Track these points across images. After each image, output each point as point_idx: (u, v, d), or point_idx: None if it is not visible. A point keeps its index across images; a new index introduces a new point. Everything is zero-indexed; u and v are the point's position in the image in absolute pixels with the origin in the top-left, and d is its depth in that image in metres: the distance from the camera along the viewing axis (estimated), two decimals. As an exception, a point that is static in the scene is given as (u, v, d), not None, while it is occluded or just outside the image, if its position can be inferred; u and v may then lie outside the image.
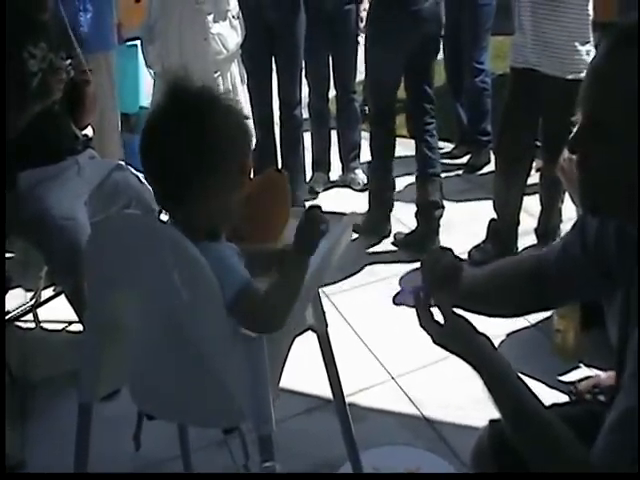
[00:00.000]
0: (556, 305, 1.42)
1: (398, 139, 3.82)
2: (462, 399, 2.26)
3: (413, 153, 3.40)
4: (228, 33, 3.14)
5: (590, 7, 2.75)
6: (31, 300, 2.80)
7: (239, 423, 1.34)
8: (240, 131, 1.27)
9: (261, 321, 1.23)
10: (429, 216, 3.22)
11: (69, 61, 2.40)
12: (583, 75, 3.01)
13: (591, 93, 0.97)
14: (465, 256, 3.00)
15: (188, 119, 1.20)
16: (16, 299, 2.81)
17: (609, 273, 1.13)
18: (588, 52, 2.78)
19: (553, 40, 2.76)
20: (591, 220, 1.14)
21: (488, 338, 1.14)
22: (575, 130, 1.00)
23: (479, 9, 3.91)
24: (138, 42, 3.64)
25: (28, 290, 2.83)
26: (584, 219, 1.18)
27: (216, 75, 3.13)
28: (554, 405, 1.45)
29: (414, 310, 1.17)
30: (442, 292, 1.14)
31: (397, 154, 3.78)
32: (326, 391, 1.78)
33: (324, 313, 1.66)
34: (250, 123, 3.35)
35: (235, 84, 3.26)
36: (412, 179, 3.60)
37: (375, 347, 2.57)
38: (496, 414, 1.37)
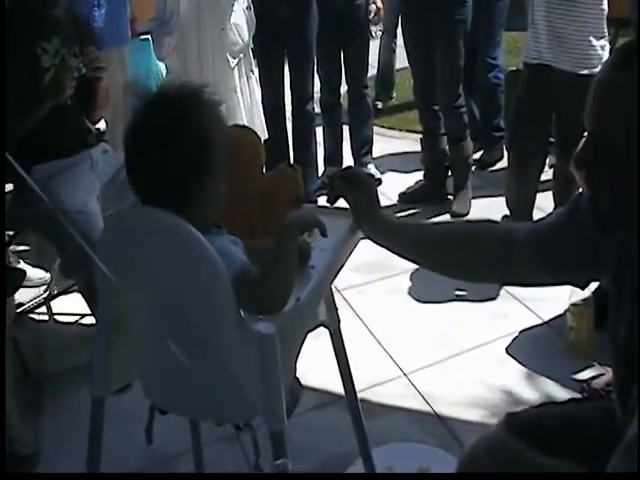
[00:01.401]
0: (525, 282, 1.40)
1: (407, 134, 3.84)
2: (474, 396, 2.26)
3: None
4: (243, 24, 3.14)
5: (605, 2, 2.73)
6: (44, 292, 2.82)
7: (251, 419, 1.34)
8: (220, 122, 1.26)
9: (260, 303, 1.21)
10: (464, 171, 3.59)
11: (81, 58, 2.41)
12: (597, 70, 3.00)
13: (595, 110, 0.96)
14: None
15: (169, 118, 1.20)
16: (30, 291, 2.83)
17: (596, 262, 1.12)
18: (603, 47, 2.76)
19: (568, 35, 2.74)
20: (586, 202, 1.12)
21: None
22: (580, 146, 0.99)
23: (492, 5, 3.89)
24: (149, 36, 3.65)
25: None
26: (579, 200, 1.16)
27: (233, 65, 3.13)
28: (570, 400, 1.44)
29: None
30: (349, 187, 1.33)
31: (407, 149, 3.81)
32: (338, 387, 1.78)
33: (336, 309, 1.66)
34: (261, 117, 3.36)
35: (250, 75, 3.27)
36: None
37: (387, 343, 2.56)
38: (509, 410, 1.37)
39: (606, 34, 2.79)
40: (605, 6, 2.73)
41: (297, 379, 1.70)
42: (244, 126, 2.40)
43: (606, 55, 2.77)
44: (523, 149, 2.97)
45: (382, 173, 3.97)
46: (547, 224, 1.22)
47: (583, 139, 1.00)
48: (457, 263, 1.29)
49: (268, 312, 1.23)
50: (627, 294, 1.04)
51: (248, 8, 3.18)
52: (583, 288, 2.25)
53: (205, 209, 1.24)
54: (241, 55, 3.19)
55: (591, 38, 2.73)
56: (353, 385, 1.73)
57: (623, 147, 0.92)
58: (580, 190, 1.28)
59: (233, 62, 3.14)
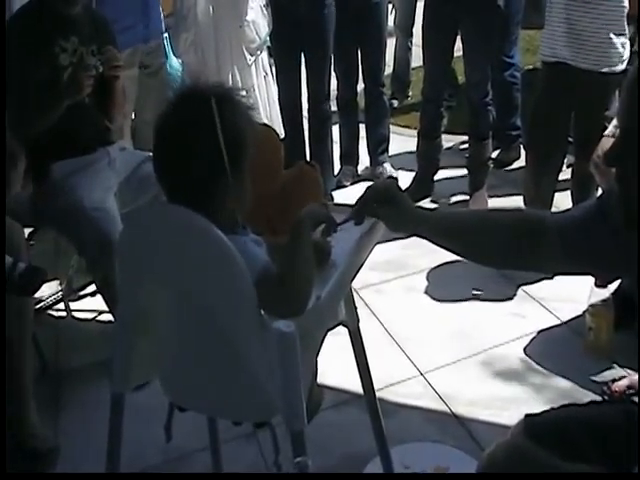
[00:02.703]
0: (549, 270, 1.40)
1: (410, 130, 3.84)
2: (491, 396, 2.25)
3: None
4: (261, 21, 3.15)
5: (625, 0, 2.70)
6: (63, 289, 2.84)
7: (270, 417, 1.34)
8: (250, 124, 1.27)
9: (281, 306, 1.21)
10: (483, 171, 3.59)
11: (98, 56, 2.42)
12: (618, 68, 2.96)
13: (626, 107, 0.96)
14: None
15: (200, 117, 1.20)
16: (49, 288, 2.84)
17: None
18: (624, 44, 2.74)
19: (587, 33, 2.71)
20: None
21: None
22: (611, 144, 0.98)
23: (508, 2, 3.85)
24: (167, 33, 3.67)
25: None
26: (610, 195, 1.14)
27: (251, 62, 3.13)
28: (591, 403, 1.43)
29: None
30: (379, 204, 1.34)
31: (411, 149, 3.82)
32: (355, 386, 1.78)
33: (356, 309, 1.65)
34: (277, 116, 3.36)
35: (267, 73, 3.27)
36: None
37: (404, 342, 2.56)
38: (527, 411, 1.36)
39: (626, 31, 2.76)
40: (626, 3, 2.70)
41: (318, 385, 1.70)
42: (264, 124, 2.40)
43: (627, 53, 2.74)
44: (541, 148, 2.95)
45: (397, 171, 3.96)
46: (576, 216, 1.21)
47: (606, 137, 0.99)
48: (488, 249, 1.28)
49: (289, 315, 1.23)
50: None
51: (266, 6, 3.18)
52: (606, 285, 2.23)
53: (230, 209, 1.24)
54: (258, 52, 3.19)
55: (611, 35, 2.71)
56: (372, 384, 1.72)
57: None
58: (600, 190, 1.26)
59: (250, 59, 3.14)
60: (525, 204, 3.06)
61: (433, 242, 1.32)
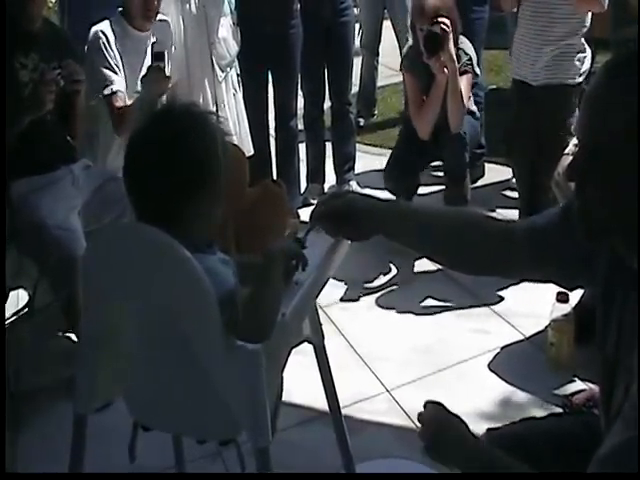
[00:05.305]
0: (516, 276, 1.44)
1: (388, 151, 3.81)
2: (456, 412, 2.25)
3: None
4: (230, 38, 3.16)
5: (587, 20, 2.80)
6: (24, 309, 2.78)
7: (236, 435, 1.34)
8: (222, 144, 1.28)
9: (244, 331, 1.22)
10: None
11: (58, 70, 2.40)
12: (575, 80, 3.05)
13: (586, 122, 0.98)
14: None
15: (172, 136, 1.22)
16: (9, 307, 2.79)
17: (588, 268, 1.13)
18: (582, 59, 2.85)
19: (548, 57, 2.81)
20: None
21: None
22: (572, 159, 1.01)
23: (472, 23, 3.92)
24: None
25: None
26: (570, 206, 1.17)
27: (221, 79, 3.14)
28: (550, 415, 1.45)
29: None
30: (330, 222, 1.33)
31: (377, 167, 3.83)
32: (320, 403, 1.78)
33: (321, 325, 1.66)
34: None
35: (237, 90, 3.28)
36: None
37: (369, 359, 2.56)
38: (492, 425, 1.38)
39: (586, 47, 2.86)
40: (587, 23, 2.81)
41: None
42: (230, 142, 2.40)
43: (585, 67, 2.85)
44: (523, 159, 3.06)
45: (364, 189, 3.98)
46: (539, 224, 1.23)
47: (566, 155, 1.02)
48: (457, 253, 1.29)
49: (252, 340, 1.23)
50: (617, 304, 1.05)
51: (235, 24, 3.19)
52: (568, 300, 2.28)
53: (198, 227, 1.24)
54: (228, 69, 3.20)
55: (569, 50, 2.82)
56: (337, 401, 1.72)
57: (614, 159, 0.93)
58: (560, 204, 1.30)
59: (221, 76, 3.15)
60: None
61: (401, 243, 1.33)
